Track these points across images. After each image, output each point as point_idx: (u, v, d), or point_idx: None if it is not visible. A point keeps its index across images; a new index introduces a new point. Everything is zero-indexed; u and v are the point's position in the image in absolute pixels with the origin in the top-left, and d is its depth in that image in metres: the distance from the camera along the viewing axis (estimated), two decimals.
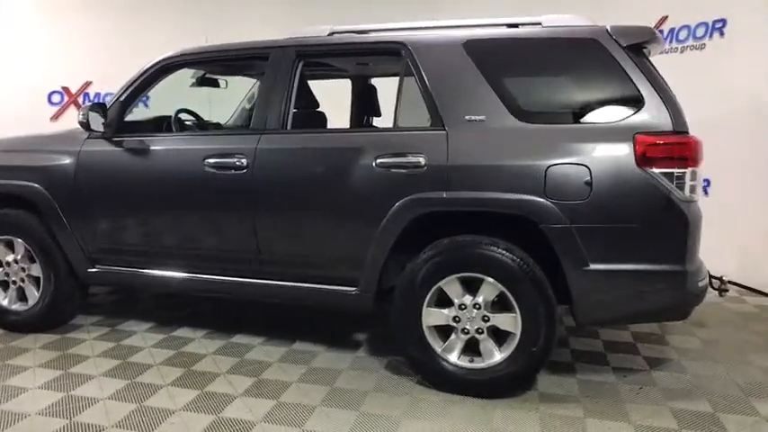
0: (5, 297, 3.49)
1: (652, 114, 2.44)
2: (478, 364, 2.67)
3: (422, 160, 2.61)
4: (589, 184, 2.41)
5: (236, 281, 3.05)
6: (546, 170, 2.46)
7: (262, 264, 2.99)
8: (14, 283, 3.46)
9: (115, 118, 3.17)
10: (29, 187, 3.28)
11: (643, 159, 2.38)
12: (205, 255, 3.09)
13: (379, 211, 2.68)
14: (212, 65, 3.64)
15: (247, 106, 4.45)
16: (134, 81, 3.22)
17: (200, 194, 3.01)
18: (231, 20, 5.81)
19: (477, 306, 2.63)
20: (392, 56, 2.88)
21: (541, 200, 2.45)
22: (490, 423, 2.45)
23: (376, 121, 4.11)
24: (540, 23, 2.71)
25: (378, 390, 2.75)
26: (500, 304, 2.64)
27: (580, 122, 2.56)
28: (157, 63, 3.19)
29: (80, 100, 6.13)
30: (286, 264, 2.96)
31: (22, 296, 3.45)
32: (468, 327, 2.66)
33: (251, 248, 2.97)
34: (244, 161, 2.89)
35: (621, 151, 2.41)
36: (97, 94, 6.12)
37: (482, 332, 2.65)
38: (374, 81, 4.12)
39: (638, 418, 2.48)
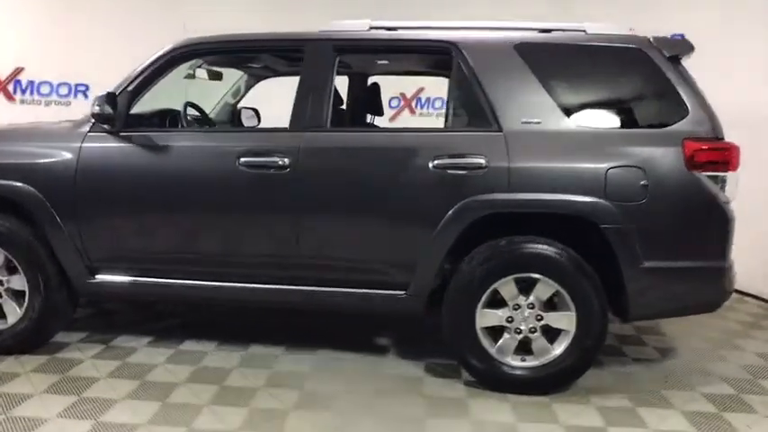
0: None
1: (696, 121, 2.61)
2: (532, 362, 2.72)
3: (483, 161, 2.61)
4: (645, 186, 2.54)
5: (270, 288, 2.85)
6: (606, 173, 2.55)
7: (300, 269, 2.83)
8: None
9: (123, 111, 2.84)
10: (18, 189, 2.84)
11: (692, 163, 2.55)
12: (236, 261, 2.86)
13: (436, 212, 2.64)
14: (232, 56, 3.37)
15: (231, 101, 4.19)
16: (144, 70, 2.90)
17: (233, 196, 2.78)
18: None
19: (531, 306, 2.68)
20: (440, 55, 2.84)
21: (603, 201, 2.54)
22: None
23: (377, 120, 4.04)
24: (584, 30, 2.81)
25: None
26: (548, 303, 2.71)
27: (632, 127, 2.68)
28: (170, 51, 2.90)
29: (10, 87, 5.41)
30: (329, 269, 2.82)
31: None
32: (521, 326, 2.70)
33: (290, 253, 2.79)
34: (286, 161, 2.71)
35: (672, 155, 2.57)
36: (31, 82, 5.43)
37: (535, 331, 2.70)
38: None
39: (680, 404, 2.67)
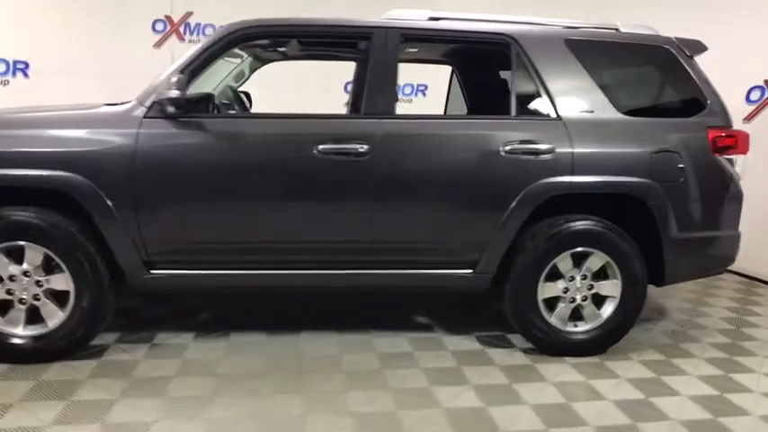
0: (5, 320, 2.70)
1: (714, 112, 3.06)
2: (583, 327, 3.05)
3: (550, 147, 2.85)
4: (681, 168, 2.94)
5: (341, 273, 2.88)
6: (650, 156, 2.91)
7: (373, 253, 2.89)
8: (22, 301, 2.68)
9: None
10: (68, 179, 2.57)
11: (715, 148, 3.00)
12: (310, 248, 2.84)
13: (507, 195, 2.84)
14: (295, 39, 3.26)
15: (234, 85, 4.03)
16: (202, 52, 2.75)
17: (310, 183, 2.75)
18: None
19: (584, 276, 3.00)
20: (498, 47, 3.00)
21: (650, 181, 2.90)
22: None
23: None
24: (617, 29, 3.13)
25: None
26: (597, 273, 3.03)
27: (665, 117, 3.06)
28: (232, 31, 2.77)
29: None
30: (400, 251, 2.91)
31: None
32: (575, 296, 3.01)
33: (364, 238, 2.84)
34: (365, 147, 2.74)
35: (700, 141, 2.99)
36: None
37: (586, 299, 3.02)
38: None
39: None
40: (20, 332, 2.70)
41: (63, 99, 5.44)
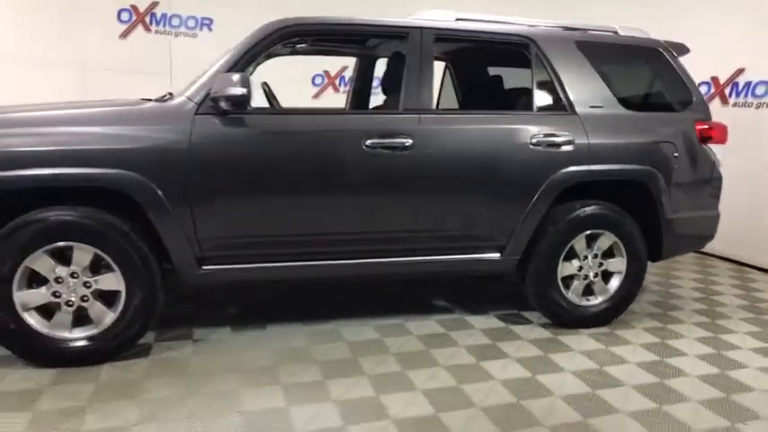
0: (51, 324, 2.62)
1: (698, 107, 3.49)
2: (594, 300, 3.39)
3: (571, 139, 3.14)
4: (676, 156, 3.34)
5: (387, 261, 3.03)
6: (651, 146, 3.29)
7: (417, 241, 3.06)
8: (69, 303, 2.62)
9: None
10: (124, 177, 2.53)
11: (702, 139, 3.42)
12: (359, 239, 2.96)
13: (534, 183, 3.11)
14: (334, 37, 3.31)
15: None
16: (250, 48, 2.78)
17: (358, 176, 2.87)
18: None
19: (595, 255, 3.34)
20: (518, 48, 3.25)
21: (652, 169, 3.27)
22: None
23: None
24: (615, 31, 3.48)
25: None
26: (605, 252, 3.38)
27: (660, 111, 3.44)
28: (276, 30, 2.82)
29: None
30: (440, 239, 3.10)
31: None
32: (588, 273, 3.34)
33: (409, 227, 3.01)
34: (409, 141, 2.90)
35: (689, 133, 3.40)
36: None
37: (597, 275, 3.37)
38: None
39: None
40: (68, 335, 2.64)
41: (22, 92, 5.14)
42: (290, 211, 2.82)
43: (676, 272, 4.73)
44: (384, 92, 3.82)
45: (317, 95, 6.98)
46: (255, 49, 2.80)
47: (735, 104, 4.92)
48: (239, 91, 2.53)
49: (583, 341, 3.21)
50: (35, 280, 2.60)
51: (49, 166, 2.47)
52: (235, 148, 2.71)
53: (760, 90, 4.74)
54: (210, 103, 2.67)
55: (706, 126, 3.44)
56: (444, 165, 2.99)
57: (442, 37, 3.10)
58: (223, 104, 2.63)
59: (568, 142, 3.14)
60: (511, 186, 3.11)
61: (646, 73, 3.55)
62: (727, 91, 4.99)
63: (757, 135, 4.74)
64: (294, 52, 3.99)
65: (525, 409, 2.45)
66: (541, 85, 3.24)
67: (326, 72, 6.92)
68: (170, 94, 3.25)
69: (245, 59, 2.78)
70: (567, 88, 3.22)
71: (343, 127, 2.90)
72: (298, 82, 6.75)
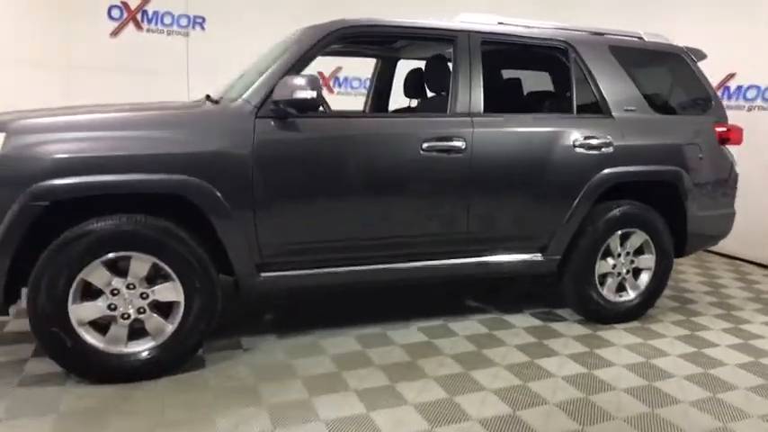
0: (107, 338, 2.49)
1: (717, 110, 3.67)
2: (626, 297, 3.52)
3: (610, 141, 3.24)
4: (700, 158, 3.51)
5: (441, 264, 3.04)
6: (680, 148, 3.44)
7: (468, 243, 3.09)
8: (125, 317, 2.50)
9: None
10: (188, 183, 2.44)
11: (721, 140, 3.60)
12: (416, 242, 2.96)
13: (577, 185, 3.20)
14: (388, 38, 3.32)
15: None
16: (307, 50, 2.73)
17: (415, 179, 2.88)
18: None
19: (628, 253, 3.46)
20: (557, 52, 3.32)
21: (680, 169, 3.42)
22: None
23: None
24: (641, 37, 3.61)
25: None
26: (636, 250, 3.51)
27: (684, 114, 3.60)
28: (333, 31, 2.78)
29: None
30: (489, 240, 3.14)
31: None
32: (621, 270, 3.46)
33: (462, 229, 3.03)
34: (462, 144, 2.93)
35: (711, 135, 3.58)
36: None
37: (629, 272, 3.50)
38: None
39: None
40: (125, 349, 2.52)
41: (9, 93, 4.86)
42: (349, 214, 2.80)
43: (678, 266, 4.95)
44: (409, 94, 3.84)
45: None
46: (313, 51, 2.76)
47: (727, 108, 5.15)
48: (309, 94, 2.49)
49: (621, 336, 3.32)
50: (88, 293, 2.47)
51: (112, 172, 2.36)
52: (298, 151, 2.66)
53: (751, 94, 5.03)
54: (271, 106, 2.61)
55: (725, 128, 3.63)
56: (495, 167, 3.03)
57: (487, 41, 3.14)
58: (290, 108, 2.58)
59: (607, 144, 3.24)
60: (556, 188, 3.18)
61: (670, 77, 3.70)
62: (719, 95, 5.25)
63: (749, 137, 5.01)
64: (337, 53, 3.97)
65: (595, 404, 2.52)
66: (580, 89, 3.32)
67: (321, 73, 6.85)
68: (208, 96, 3.16)
69: (303, 61, 2.74)
70: (603, 92, 3.32)
71: (401, 130, 2.89)
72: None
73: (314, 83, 2.50)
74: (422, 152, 2.86)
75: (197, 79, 5.98)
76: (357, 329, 3.23)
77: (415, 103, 4.19)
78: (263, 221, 2.63)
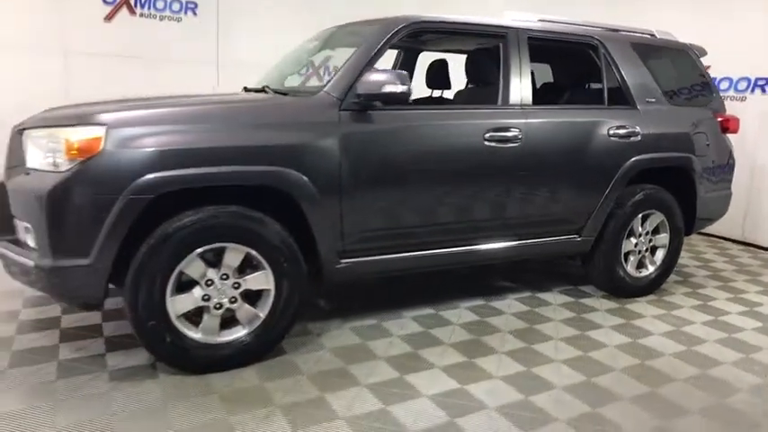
0: (201, 329, 2.52)
1: (717, 101, 4.06)
2: (645, 273, 3.86)
3: (638, 130, 3.54)
4: (707, 144, 3.88)
5: (494, 247, 3.24)
6: (692, 136, 3.79)
7: (521, 227, 3.30)
8: (218, 307, 2.54)
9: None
10: (285, 174, 2.49)
11: (722, 129, 4.00)
12: (478, 226, 3.14)
13: (611, 171, 3.48)
14: (451, 35, 3.46)
15: (290, 71, 3.98)
16: (380, 44, 2.82)
17: (480, 167, 3.05)
18: None
19: (647, 233, 3.80)
20: (588, 48, 3.57)
21: (693, 156, 3.77)
22: None
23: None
24: (652, 34, 3.93)
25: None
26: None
27: (692, 105, 3.96)
28: (403, 26, 2.89)
29: None
30: (537, 224, 3.36)
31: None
32: (641, 249, 3.80)
33: (516, 214, 3.24)
34: (518, 134, 3.12)
35: (715, 124, 3.96)
36: None
37: (647, 250, 3.84)
38: None
39: None
40: (218, 339, 2.56)
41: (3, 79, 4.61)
42: (423, 201, 2.94)
43: None
44: (431, 85, 3.99)
45: (111, 16, 6.67)
46: (385, 46, 2.85)
47: None
48: (400, 88, 2.59)
49: (646, 308, 3.65)
50: (178, 286, 2.49)
51: (212, 164, 2.39)
52: (380, 141, 2.77)
53: (724, 85, 5.52)
54: (354, 99, 2.70)
55: (725, 118, 4.02)
56: (545, 156, 3.26)
57: (532, 37, 3.33)
58: (376, 101, 2.68)
59: (635, 134, 3.53)
60: (594, 174, 3.45)
61: (678, 71, 4.04)
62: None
63: None
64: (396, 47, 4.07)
65: (654, 369, 2.81)
66: (610, 82, 3.59)
67: (311, 61, 6.84)
68: (266, 87, 3.19)
69: (377, 55, 2.83)
70: (629, 85, 3.61)
71: (470, 120, 3.05)
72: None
73: (403, 77, 2.61)
74: (485, 142, 3.03)
75: (191, 66, 5.86)
76: (413, 311, 3.38)
77: (437, 93, 4.36)
78: (347, 210, 2.73)
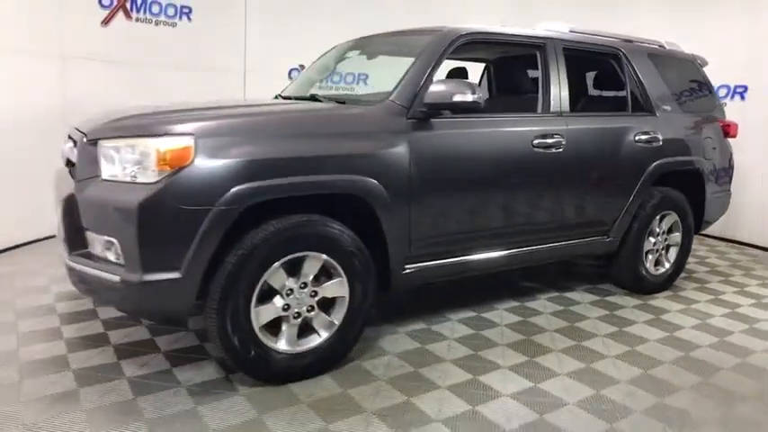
0: (281, 339, 2.52)
1: (719, 108, 4.36)
2: (661, 270, 4.09)
3: (657, 136, 3.75)
4: (714, 148, 4.16)
5: (540, 248, 3.37)
6: (702, 141, 4.06)
7: (563, 229, 3.45)
8: (296, 316, 2.53)
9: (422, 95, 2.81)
10: (364, 183, 2.52)
11: (725, 134, 4.29)
12: (527, 229, 3.27)
13: (637, 175, 3.69)
14: (498, 45, 3.56)
15: (317, 77, 4.00)
16: (440, 56, 2.89)
17: (530, 173, 3.18)
18: None
19: (664, 233, 4.03)
20: (612, 57, 3.76)
21: (704, 159, 4.04)
22: None
23: None
24: (662, 45, 4.18)
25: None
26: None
27: (700, 113, 4.22)
28: (458, 37, 2.97)
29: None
30: (575, 226, 3.51)
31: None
32: (658, 248, 4.03)
33: (558, 217, 3.38)
34: (561, 140, 3.26)
35: (719, 129, 4.25)
36: None
37: (663, 249, 4.07)
38: None
39: None
40: (297, 348, 2.55)
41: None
42: (483, 206, 3.05)
43: None
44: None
45: (107, 20, 6.57)
46: (443, 56, 2.92)
47: None
48: (470, 97, 2.67)
49: (668, 304, 3.87)
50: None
51: (297, 174, 2.39)
52: (446, 149, 2.84)
53: None
54: (421, 108, 2.75)
55: (727, 124, 4.32)
56: (584, 161, 3.42)
57: (566, 47, 3.49)
58: (446, 110, 2.74)
59: (656, 139, 3.75)
60: (623, 178, 3.65)
61: (687, 80, 4.30)
62: None
63: None
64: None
65: (699, 360, 3.00)
66: (632, 90, 3.80)
67: (302, 66, 6.82)
68: (315, 95, 3.20)
69: (437, 64, 2.90)
70: (648, 93, 3.83)
71: (521, 127, 3.16)
72: (275, 76, 6.60)
73: (473, 87, 2.69)
74: (533, 148, 3.15)
75: (187, 72, 5.73)
76: (456, 314, 3.46)
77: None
78: (415, 215, 2.78)
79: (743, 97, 5.71)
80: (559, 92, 3.36)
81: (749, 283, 4.44)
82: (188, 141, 2.21)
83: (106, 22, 5.22)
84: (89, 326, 3.08)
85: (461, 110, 2.78)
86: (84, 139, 2.42)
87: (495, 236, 3.16)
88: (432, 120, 2.81)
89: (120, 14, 5.31)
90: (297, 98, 3.46)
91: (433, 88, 2.72)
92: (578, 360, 2.92)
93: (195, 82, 5.78)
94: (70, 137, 2.90)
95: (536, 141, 3.16)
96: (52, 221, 2.70)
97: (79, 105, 4.86)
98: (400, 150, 2.68)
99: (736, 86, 5.75)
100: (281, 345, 2.50)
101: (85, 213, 2.34)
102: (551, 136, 3.24)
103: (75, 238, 2.40)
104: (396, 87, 2.81)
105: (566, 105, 3.38)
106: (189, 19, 5.81)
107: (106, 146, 2.31)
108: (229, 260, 2.30)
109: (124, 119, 2.48)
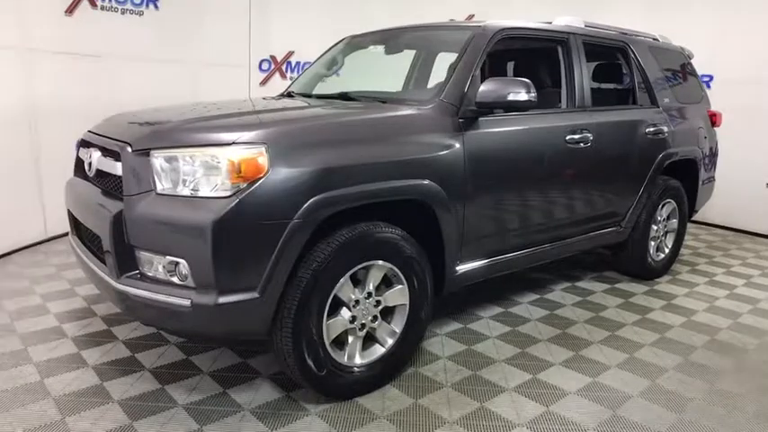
0: (348, 352, 2.42)
1: (706, 99, 4.58)
2: (662, 256, 4.27)
3: (663, 128, 3.89)
4: (705, 137, 4.37)
5: (570, 241, 3.43)
6: (698, 131, 4.25)
7: (588, 222, 3.51)
8: (361, 327, 2.44)
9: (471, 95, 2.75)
10: (428, 186, 2.44)
11: (712, 123, 4.52)
12: (562, 223, 3.31)
13: (648, 165, 3.81)
14: (529, 40, 3.46)
15: (327, 72, 3.85)
16: (481, 53, 2.82)
17: (564, 168, 3.20)
18: None
19: (663, 220, 4.21)
20: (620, 51, 3.84)
21: (698, 148, 4.24)
22: None
23: None
24: (657, 38, 4.32)
25: None
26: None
27: (692, 103, 4.41)
28: (496, 33, 2.92)
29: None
30: (597, 218, 3.59)
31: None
32: (659, 235, 4.21)
33: (586, 210, 3.45)
34: (589, 135, 3.31)
35: (707, 119, 4.47)
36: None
37: (663, 236, 4.26)
38: None
39: None
40: (362, 361, 2.45)
41: None
42: (529, 203, 3.05)
43: None
44: None
45: (264, 82, 6.58)
46: (484, 53, 2.86)
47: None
48: (524, 96, 2.63)
49: (673, 288, 4.05)
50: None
51: (368, 181, 2.28)
52: (496, 149, 2.81)
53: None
54: (471, 107, 2.69)
55: (714, 114, 4.55)
56: (609, 154, 3.49)
57: (585, 42, 3.52)
58: (499, 109, 2.70)
59: (663, 131, 3.89)
60: (637, 168, 3.76)
61: (679, 72, 4.48)
62: (284, 68, 6.42)
63: None
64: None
65: (725, 342, 3.16)
66: (639, 82, 3.91)
67: (273, 57, 6.55)
68: (347, 93, 3.07)
69: (480, 61, 2.84)
70: (652, 85, 3.96)
71: (559, 123, 3.18)
72: (242, 67, 6.32)
73: (528, 86, 2.65)
74: (567, 143, 3.18)
75: (155, 63, 5.37)
76: (486, 311, 3.46)
77: None
78: (469, 216, 2.73)
79: (708, 86, 6.02)
80: (583, 86, 3.40)
81: (732, 263, 4.74)
82: (261, 150, 2.04)
83: (70, 11, 4.76)
84: (112, 349, 2.83)
85: (518, 108, 2.73)
86: (130, 149, 2.19)
87: (538, 231, 3.19)
88: (485, 118, 2.77)
89: (85, 3, 4.86)
90: (319, 96, 3.31)
91: (486, 87, 2.66)
92: (620, 351, 3.00)
93: (166, 74, 5.43)
94: (88, 143, 2.63)
95: (568, 137, 3.19)
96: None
97: (43, 101, 4.46)
98: (456, 151, 2.61)
99: (702, 76, 6.05)
100: (351, 358, 2.40)
101: (138, 231, 2.11)
102: (581, 131, 3.27)
103: (127, 259, 2.16)
104: (444, 86, 2.74)
105: (589, 100, 3.42)
106: (156, 7, 5.42)
107: (165, 157, 2.09)
108: (303, 275, 2.16)
109: (173, 125, 2.26)
